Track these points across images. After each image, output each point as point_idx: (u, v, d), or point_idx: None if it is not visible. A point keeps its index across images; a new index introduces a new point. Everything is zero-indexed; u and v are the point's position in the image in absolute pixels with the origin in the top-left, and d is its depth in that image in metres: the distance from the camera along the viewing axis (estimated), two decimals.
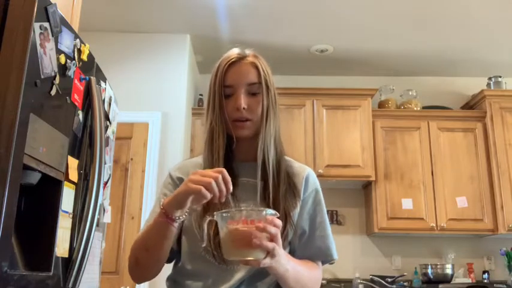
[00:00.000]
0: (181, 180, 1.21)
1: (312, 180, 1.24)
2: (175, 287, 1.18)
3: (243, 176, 1.17)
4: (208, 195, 0.95)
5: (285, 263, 1.00)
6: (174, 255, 1.21)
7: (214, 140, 1.16)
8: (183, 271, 1.17)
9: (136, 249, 1.12)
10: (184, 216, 1.04)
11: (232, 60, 1.18)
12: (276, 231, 0.92)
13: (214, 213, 0.96)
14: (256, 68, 1.18)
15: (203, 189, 0.94)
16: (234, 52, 1.21)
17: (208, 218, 0.98)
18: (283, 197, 1.14)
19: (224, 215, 0.94)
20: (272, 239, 0.92)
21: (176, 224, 1.03)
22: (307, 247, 1.18)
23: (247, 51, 1.21)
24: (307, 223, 1.20)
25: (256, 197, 1.13)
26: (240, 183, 1.16)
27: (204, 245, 1.00)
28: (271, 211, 0.95)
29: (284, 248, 1.08)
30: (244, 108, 1.14)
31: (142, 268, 1.14)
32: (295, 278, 1.06)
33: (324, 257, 1.21)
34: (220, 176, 0.96)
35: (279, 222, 0.94)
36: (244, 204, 1.09)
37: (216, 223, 0.98)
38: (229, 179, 0.97)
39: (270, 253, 0.92)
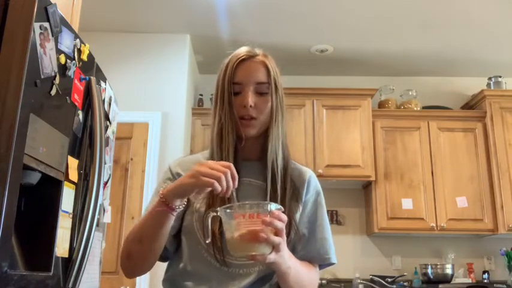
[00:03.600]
0: (180, 176, 1.20)
1: (313, 183, 1.24)
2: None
3: (246, 176, 1.16)
4: (219, 190, 0.94)
5: (288, 260, 1.00)
6: (168, 254, 1.19)
7: (224, 138, 1.15)
8: (182, 272, 1.14)
9: (129, 241, 1.10)
10: (183, 206, 1.02)
11: (243, 57, 1.17)
12: (282, 226, 0.92)
13: (218, 208, 0.95)
14: (266, 67, 1.17)
15: (216, 184, 0.93)
16: (244, 50, 1.20)
17: (212, 214, 0.96)
18: (288, 201, 1.14)
19: (228, 210, 0.93)
20: (277, 233, 0.91)
21: (175, 214, 1.02)
22: (305, 250, 1.18)
23: (258, 50, 1.20)
24: (306, 226, 1.19)
25: (258, 198, 1.13)
26: (243, 183, 1.13)
27: (208, 241, 0.99)
28: (276, 205, 0.94)
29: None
30: (251, 106, 1.13)
31: (134, 261, 1.11)
32: (295, 277, 1.05)
33: (322, 260, 1.20)
34: (228, 172, 0.95)
35: (285, 217, 0.93)
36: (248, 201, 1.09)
37: (220, 220, 0.97)
38: (236, 174, 0.97)
39: (275, 248, 0.91)
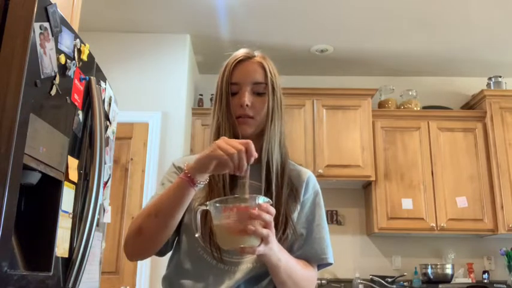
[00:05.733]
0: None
1: (312, 183, 1.24)
2: (172, 287, 1.17)
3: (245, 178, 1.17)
4: (231, 165, 0.96)
5: (278, 253, 1.01)
6: (167, 248, 1.19)
7: (220, 136, 1.16)
8: (180, 271, 1.16)
9: (142, 217, 1.09)
10: (204, 182, 1.03)
11: (240, 58, 1.20)
12: (270, 219, 0.93)
13: (207, 202, 0.96)
14: (263, 68, 1.19)
15: (227, 158, 0.95)
16: (242, 51, 1.22)
17: (201, 208, 0.98)
18: (285, 200, 1.15)
19: (217, 204, 0.94)
20: (266, 226, 0.93)
21: (196, 189, 1.03)
22: (303, 249, 1.18)
23: (256, 52, 1.23)
24: (304, 225, 1.20)
25: None
26: (241, 185, 1.15)
27: (197, 235, 1.00)
28: (264, 198, 0.95)
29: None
30: (247, 105, 1.15)
31: (145, 237, 1.09)
32: (286, 271, 1.06)
33: (319, 260, 1.20)
34: (244, 149, 0.96)
35: (273, 210, 0.95)
36: (238, 195, 1.09)
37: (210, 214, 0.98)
38: (253, 151, 0.97)
39: (264, 240, 0.93)
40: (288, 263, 1.06)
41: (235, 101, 1.17)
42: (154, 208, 1.07)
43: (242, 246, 0.92)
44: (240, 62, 1.19)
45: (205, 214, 1.05)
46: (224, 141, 0.98)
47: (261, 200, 0.94)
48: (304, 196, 1.21)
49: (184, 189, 1.02)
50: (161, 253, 1.20)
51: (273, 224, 0.94)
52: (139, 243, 1.11)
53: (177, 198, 1.04)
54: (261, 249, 0.93)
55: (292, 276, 1.08)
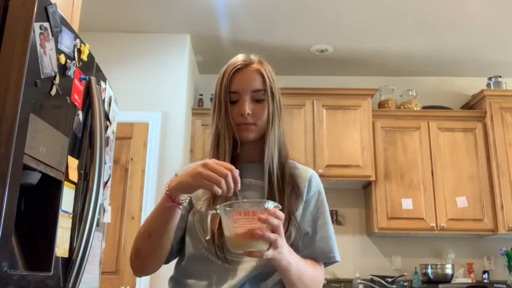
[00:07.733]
0: None
1: (315, 182, 1.25)
2: (178, 287, 1.19)
3: (247, 177, 1.19)
4: (219, 193, 0.97)
5: (288, 256, 1.01)
6: (173, 255, 1.21)
7: (220, 145, 1.18)
8: (185, 271, 1.18)
9: (138, 238, 1.14)
10: (188, 199, 1.07)
11: (238, 66, 1.20)
12: (278, 223, 0.94)
13: (217, 206, 0.97)
14: (262, 75, 1.20)
15: (215, 188, 0.96)
16: (240, 58, 1.22)
17: (212, 212, 0.99)
18: (287, 199, 1.16)
19: (227, 208, 0.96)
20: (274, 230, 0.93)
21: (181, 207, 1.06)
22: (309, 248, 1.19)
23: (253, 57, 1.23)
24: (309, 224, 1.20)
25: (258, 197, 1.16)
26: (244, 184, 1.17)
27: (207, 238, 1.02)
28: (273, 203, 0.96)
29: None
30: (248, 114, 1.16)
31: (143, 258, 1.15)
32: (297, 274, 1.06)
33: (326, 258, 1.21)
34: (230, 174, 0.97)
35: (282, 214, 0.95)
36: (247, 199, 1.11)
37: (220, 218, 1.00)
38: (238, 178, 0.99)
39: (272, 244, 0.93)
40: (298, 266, 1.07)
41: (235, 109, 1.18)
42: (147, 230, 1.12)
43: (250, 250, 0.93)
44: (238, 70, 1.20)
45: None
46: (207, 168, 0.98)
47: (270, 204, 0.95)
48: (307, 195, 1.22)
49: (170, 211, 1.06)
50: (166, 261, 1.23)
51: (281, 228, 0.95)
52: (140, 263, 1.17)
53: (164, 220, 1.08)
54: (270, 253, 0.94)
55: (302, 279, 1.09)
